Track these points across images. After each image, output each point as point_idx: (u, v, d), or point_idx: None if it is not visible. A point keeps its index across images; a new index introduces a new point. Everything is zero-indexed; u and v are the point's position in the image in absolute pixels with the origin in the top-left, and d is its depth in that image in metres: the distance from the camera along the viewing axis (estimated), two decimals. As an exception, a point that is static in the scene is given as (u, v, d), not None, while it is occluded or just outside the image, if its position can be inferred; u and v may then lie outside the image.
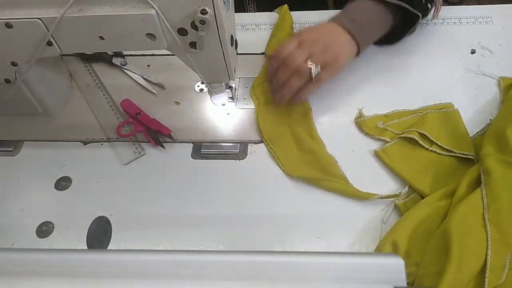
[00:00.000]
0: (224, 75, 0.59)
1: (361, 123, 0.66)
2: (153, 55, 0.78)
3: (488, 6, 0.82)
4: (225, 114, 0.69)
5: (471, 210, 0.52)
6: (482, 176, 0.54)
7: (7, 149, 0.68)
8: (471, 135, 0.62)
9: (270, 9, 0.85)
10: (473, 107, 0.67)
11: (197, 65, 0.57)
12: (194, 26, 0.50)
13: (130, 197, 0.62)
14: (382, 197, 0.58)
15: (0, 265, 0.33)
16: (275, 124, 0.67)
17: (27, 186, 0.64)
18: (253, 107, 0.69)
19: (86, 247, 0.57)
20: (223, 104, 0.70)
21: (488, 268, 0.48)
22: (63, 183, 0.64)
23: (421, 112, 0.66)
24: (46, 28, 0.50)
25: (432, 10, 0.73)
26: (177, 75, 0.75)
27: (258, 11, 0.93)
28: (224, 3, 0.50)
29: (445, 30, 0.77)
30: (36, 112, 0.68)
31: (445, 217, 0.54)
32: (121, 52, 0.78)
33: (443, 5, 0.75)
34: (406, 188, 0.59)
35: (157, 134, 0.66)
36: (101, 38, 0.52)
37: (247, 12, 0.93)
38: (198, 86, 0.73)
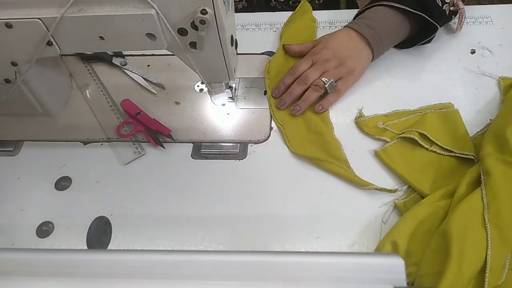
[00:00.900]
0: (224, 75, 0.59)
1: (361, 123, 0.66)
2: (153, 55, 0.78)
3: (488, 6, 0.82)
4: (225, 114, 0.69)
5: (471, 210, 0.52)
6: (482, 176, 0.54)
7: (7, 149, 0.68)
8: (471, 135, 0.62)
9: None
10: (473, 107, 0.67)
11: (197, 65, 0.57)
12: (194, 26, 0.50)
13: (130, 197, 0.62)
14: (377, 188, 0.58)
15: (0, 265, 0.33)
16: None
17: (27, 186, 0.64)
18: (253, 107, 0.69)
19: (86, 247, 0.57)
20: (223, 104, 0.70)
21: (488, 268, 0.48)
22: (63, 183, 0.64)
23: (421, 112, 0.66)
24: (46, 28, 0.50)
25: (456, 22, 0.73)
26: (177, 75, 0.75)
27: None
28: (224, 3, 0.50)
29: (445, 30, 0.77)
30: (36, 112, 0.68)
31: (445, 217, 0.54)
32: (121, 52, 0.78)
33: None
34: (405, 187, 0.59)
35: (157, 134, 0.66)
36: (101, 38, 0.52)
37: None
38: (198, 86, 0.73)
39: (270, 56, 0.76)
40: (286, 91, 0.68)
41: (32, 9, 0.50)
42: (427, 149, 0.61)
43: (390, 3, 0.68)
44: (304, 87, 0.67)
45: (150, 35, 0.51)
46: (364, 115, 0.66)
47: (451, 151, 0.60)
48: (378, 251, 0.53)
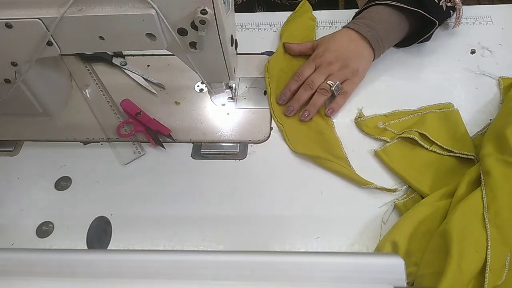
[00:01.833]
0: (224, 75, 0.59)
1: (361, 123, 0.66)
2: (153, 55, 0.78)
3: (488, 6, 0.82)
4: (225, 114, 0.69)
5: (471, 210, 0.52)
6: (482, 176, 0.54)
7: (7, 149, 0.68)
8: (471, 135, 0.62)
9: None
10: (473, 107, 0.67)
11: (197, 65, 0.57)
12: (194, 26, 0.50)
13: (130, 197, 0.62)
14: (377, 187, 0.58)
15: (0, 265, 0.33)
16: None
17: (27, 186, 0.64)
18: (253, 107, 0.69)
19: (86, 247, 0.57)
20: (223, 104, 0.70)
21: (488, 268, 0.48)
22: (63, 183, 0.64)
23: (421, 112, 0.66)
24: (46, 28, 0.50)
25: (454, 18, 0.73)
26: (177, 75, 0.75)
27: None
28: (224, 3, 0.50)
29: (445, 30, 0.77)
30: (36, 112, 0.68)
31: (445, 217, 0.54)
32: (121, 52, 0.78)
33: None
34: (405, 187, 0.59)
35: (157, 134, 0.66)
36: (101, 38, 0.52)
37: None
38: (198, 86, 0.73)
39: (270, 56, 0.76)
40: (292, 98, 0.68)
41: (32, 9, 0.50)
42: (427, 149, 0.61)
43: (387, 2, 0.68)
44: (310, 92, 0.66)
45: (150, 35, 0.51)
46: (364, 115, 0.66)
47: (451, 151, 0.60)
48: (378, 251, 0.53)
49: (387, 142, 0.63)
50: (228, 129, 0.67)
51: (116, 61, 0.77)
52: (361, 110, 0.67)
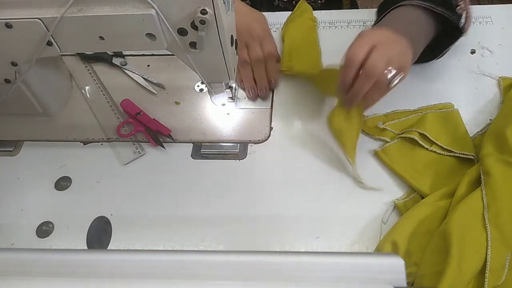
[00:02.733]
0: (224, 75, 0.59)
1: (361, 123, 0.66)
2: (153, 55, 0.78)
3: (488, 6, 0.82)
4: (225, 114, 0.69)
5: (471, 210, 0.52)
6: (482, 176, 0.54)
7: (7, 149, 0.68)
8: (471, 135, 0.62)
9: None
10: (473, 107, 0.67)
11: (197, 65, 0.57)
12: (194, 26, 0.50)
13: (130, 197, 0.62)
14: (361, 181, 0.59)
15: (0, 265, 0.33)
16: None
17: (27, 186, 0.64)
18: (253, 107, 0.69)
19: (86, 247, 0.57)
20: (223, 104, 0.70)
21: (488, 268, 0.48)
22: (63, 183, 0.64)
23: (421, 112, 0.66)
24: (46, 28, 0.50)
25: (464, 23, 0.66)
26: (177, 75, 0.75)
27: None
28: (224, 3, 0.50)
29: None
30: (36, 112, 0.68)
31: (445, 217, 0.54)
32: (121, 52, 0.78)
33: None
34: (405, 192, 0.59)
35: (157, 134, 0.66)
36: (101, 38, 0.52)
37: None
38: (198, 86, 0.73)
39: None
40: (351, 91, 0.56)
41: (32, 9, 0.50)
42: (427, 149, 0.61)
43: (418, 3, 0.61)
44: (373, 82, 0.54)
45: (150, 35, 0.51)
46: (364, 115, 0.66)
47: (451, 151, 0.60)
48: (378, 251, 0.53)
49: (387, 142, 0.63)
50: (228, 129, 0.67)
51: (116, 61, 0.77)
52: (361, 110, 0.67)
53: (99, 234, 0.58)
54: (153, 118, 0.68)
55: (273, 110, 0.69)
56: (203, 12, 0.48)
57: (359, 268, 0.32)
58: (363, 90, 0.55)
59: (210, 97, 0.71)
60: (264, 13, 0.84)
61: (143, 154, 0.66)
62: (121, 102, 0.70)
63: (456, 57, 0.73)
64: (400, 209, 0.57)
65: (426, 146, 0.61)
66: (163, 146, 0.66)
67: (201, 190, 0.62)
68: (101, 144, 0.68)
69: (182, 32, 0.51)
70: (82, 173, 0.65)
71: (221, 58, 0.55)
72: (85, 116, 0.71)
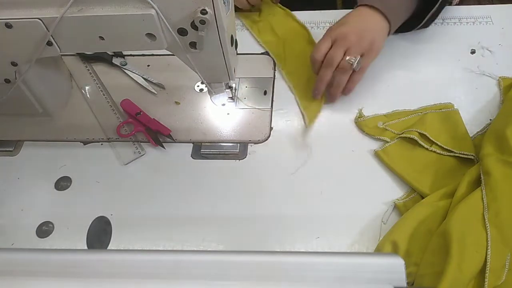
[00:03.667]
0: (224, 75, 0.59)
1: (361, 123, 0.66)
2: (153, 55, 0.78)
3: (488, 6, 0.82)
4: (225, 114, 0.69)
5: (471, 210, 0.52)
6: (482, 176, 0.54)
7: (7, 149, 0.68)
8: (471, 135, 0.62)
9: None
10: (473, 107, 0.67)
11: (197, 65, 0.57)
12: (194, 26, 0.50)
13: (130, 197, 0.62)
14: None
15: (0, 265, 0.33)
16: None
17: (27, 186, 0.64)
18: (253, 107, 0.69)
19: (86, 247, 0.57)
20: (223, 104, 0.70)
21: (488, 268, 0.48)
22: (63, 183, 0.64)
23: (421, 112, 0.66)
24: (46, 28, 0.50)
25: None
26: (177, 75, 0.75)
27: None
28: (224, 3, 0.50)
29: (445, 30, 0.77)
30: (36, 112, 0.68)
31: (445, 217, 0.54)
32: (121, 52, 0.78)
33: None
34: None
35: (157, 134, 0.66)
36: (101, 38, 0.52)
37: None
38: (198, 86, 0.73)
39: (270, 56, 0.76)
40: (318, 80, 0.67)
41: (32, 9, 0.50)
42: (427, 149, 0.61)
43: None
44: (332, 70, 0.65)
45: (150, 35, 0.51)
46: (364, 115, 0.66)
47: (451, 151, 0.60)
48: (378, 251, 0.53)
49: (387, 142, 0.63)
50: (228, 129, 0.67)
51: (116, 61, 0.77)
52: (361, 110, 0.67)
53: (99, 234, 0.58)
54: (153, 118, 0.68)
55: (273, 110, 0.69)
56: (203, 12, 0.48)
57: (359, 268, 0.32)
58: (325, 78, 0.66)
59: (210, 97, 0.71)
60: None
61: (143, 154, 0.66)
62: (121, 102, 0.70)
63: (456, 57, 0.73)
64: (400, 209, 0.57)
65: (426, 146, 0.61)
66: (163, 146, 0.66)
67: (201, 190, 0.62)
68: (101, 144, 0.68)
69: (182, 32, 0.51)
70: (82, 173, 0.65)
71: (221, 58, 0.55)
72: (85, 116, 0.71)
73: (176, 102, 0.71)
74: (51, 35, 0.51)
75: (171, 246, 0.57)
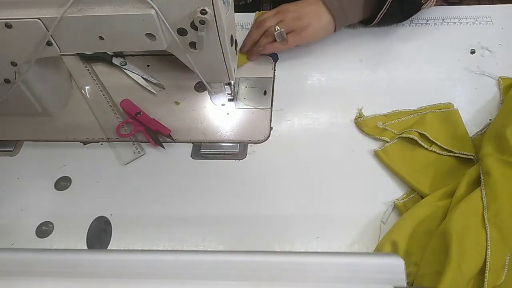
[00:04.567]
0: (224, 75, 0.59)
1: (361, 123, 0.66)
2: (153, 55, 0.78)
3: (488, 6, 0.82)
4: (225, 114, 0.69)
5: (471, 210, 0.52)
6: (481, 176, 0.54)
7: (7, 149, 0.68)
8: (471, 135, 0.63)
9: None
10: (473, 107, 0.67)
11: (197, 65, 0.57)
12: (194, 26, 0.50)
13: (130, 197, 0.62)
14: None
15: (0, 265, 0.33)
16: None
17: (27, 186, 0.64)
18: (253, 107, 0.69)
19: (86, 247, 0.57)
20: (223, 104, 0.70)
21: (487, 268, 0.48)
22: (63, 183, 0.64)
23: (421, 112, 0.66)
24: (46, 28, 0.50)
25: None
26: (177, 75, 0.75)
27: None
28: (224, 3, 0.50)
29: (445, 30, 0.77)
30: (36, 112, 0.68)
31: (445, 217, 0.54)
32: (121, 52, 0.78)
33: (442, 5, 0.75)
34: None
35: (157, 134, 0.66)
36: (101, 38, 0.52)
37: None
38: (198, 86, 0.73)
39: (270, 56, 0.76)
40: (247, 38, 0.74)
41: (32, 9, 0.50)
42: (426, 149, 0.61)
43: None
44: (261, 32, 0.72)
45: (150, 35, 0.51)
46: (364, 115, 0.66)
47: (451, 151, 0.60)
48: (378, 251, 0.53)
49: (387, 142, 0.63)
50: (228, 129, 0.67)
51: (116, 61, 0.77)
52: (361, 110, 0.67)
53: (99, 234, 0.58)
54: (153, 118, 0.68)
55: (273, 110, 0.69)
56: (203, 12, 0.48)
57: (359, 268, 0.32)
58: (253, 37, 0.73)
59: (210, 97, 0.71)
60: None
61: (143, 154, 0.66)
62: (121, 102, 0.70)
63: (456, 57, 0.73)
64: (400, 209, 0.57)
65: (426, 146, 0.61)
66: (163, 146, 0.66)
67: (201, 190, 0.62)
68: (101, 144, 0.68)
69: (182, 32, 0.51)
70: (82, 173, 0.65)
71: (221, 58, 0.55)
72: (85, 116, 0.71)
73: (176, 102, 0.71)
74: (51, 35, 0.51)
75: (171, 246, 0.57)
